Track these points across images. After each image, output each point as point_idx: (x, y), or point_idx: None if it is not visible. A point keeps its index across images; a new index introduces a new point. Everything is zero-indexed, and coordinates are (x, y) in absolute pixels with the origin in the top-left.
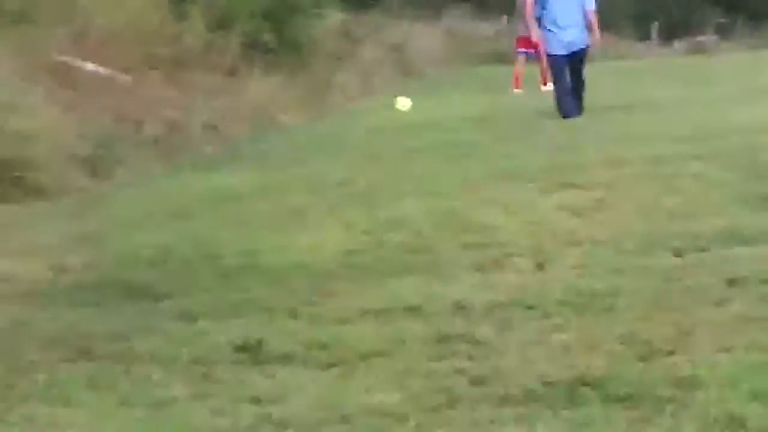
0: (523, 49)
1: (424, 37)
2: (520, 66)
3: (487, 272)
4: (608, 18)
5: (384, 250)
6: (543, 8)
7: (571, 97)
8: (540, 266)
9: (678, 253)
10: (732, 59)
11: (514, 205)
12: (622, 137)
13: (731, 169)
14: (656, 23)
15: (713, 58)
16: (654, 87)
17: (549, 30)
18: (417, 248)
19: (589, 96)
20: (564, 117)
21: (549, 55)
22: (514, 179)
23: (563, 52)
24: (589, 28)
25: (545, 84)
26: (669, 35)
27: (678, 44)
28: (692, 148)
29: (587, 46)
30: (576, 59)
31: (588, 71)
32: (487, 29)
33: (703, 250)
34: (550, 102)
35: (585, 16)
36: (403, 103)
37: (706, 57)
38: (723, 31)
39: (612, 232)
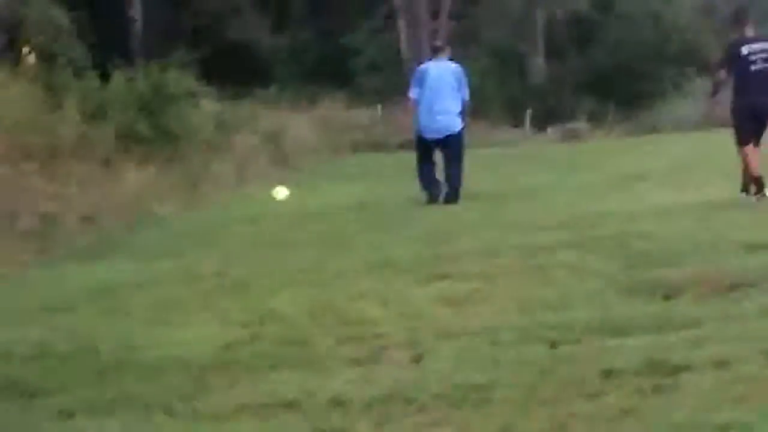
0: None
1: (300, 125)
2: None
3: (364, 366)
4: (482, 105)
5: (261, 344)
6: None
7: (435, 180)
8: (417, 359)
9: (553, 345)
10: (604, 146)
11: (390, 297)
12: (496, 226)
13: (604, 258)
14: (530, 110)
15: (586, 145)
16: (527, 174)
17: (422, 113)
18: (294, 341)
19: (463, 183)
20: (429, 200)
21: (417, 137)
22: (390, 270)
23: (434, 136)
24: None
25: None
26: (542, 122)
27: (551, 131)
28: (565, 237)
29: (459, 132)
30: (449, 146)
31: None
32: (362, 117)
33: (577, 341)
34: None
35: (459, 103)
36: (280, 193)
37: (579, 144)
38: (595, 118)
39: (487, 324)
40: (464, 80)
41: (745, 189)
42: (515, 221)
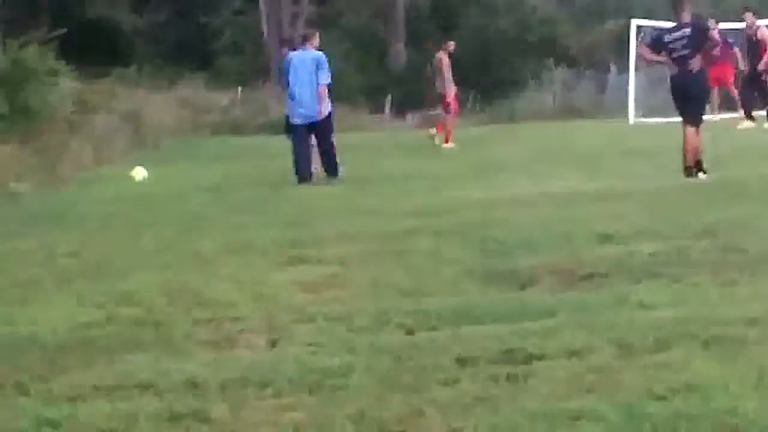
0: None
1: (159, 106)
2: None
3: (220, 349)
4: (342, 91)
5: (116, 325)
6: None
7: (305, 162)
8: (273, 343)
9: (410, 331)
10: (463, 133)
11: (247, 280)
12: (355, 211)
13: (461, 246)
14: (390, 96)
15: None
16: (387, 160)
17: (289, 100)
18: (150, 323)
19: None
20: (299, 181)
21: (289, 123)
22: (247, 253)
23: (300, 121)
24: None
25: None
26: (402, 108)
27: (411, 117)
28: (423, 223)
29: (325, 117)
30: (316, 129)
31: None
32: (221, 99)
33: (434, 328)
34: (286, 172)
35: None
36: (139, 173)
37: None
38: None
39: (344, 309)
40: (324, 66)
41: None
42: (374, 207)
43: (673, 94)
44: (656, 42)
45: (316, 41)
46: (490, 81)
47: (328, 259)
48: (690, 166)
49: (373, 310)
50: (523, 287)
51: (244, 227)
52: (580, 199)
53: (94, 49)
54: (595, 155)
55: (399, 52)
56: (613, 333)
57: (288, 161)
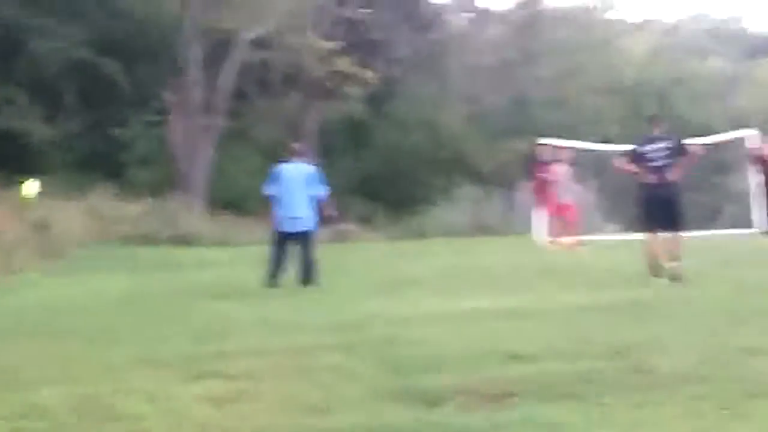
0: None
1: (69, 215)
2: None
3: None
4: (253, 203)
5: None
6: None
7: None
8: None
9: None
10: (374, 249)
11: (156, 394)
12: (266, 325)
13: (371, 362)
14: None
15: (355, 247)
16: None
17: (281, 209)
18: None
19: (234, 282)
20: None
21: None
22: (157, 366)
23: (291, 230)
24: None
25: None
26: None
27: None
28: (333, 339)
29: (312, 228)
30: (302, 237)
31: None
32: (131, 210)
33: None
34: (197, 284)
35: (312, 200)
36: (28, 190)
37: (349, 245)
38: (366, 221)
39: (252, 425)
40: (318, 179)
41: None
42: (284, 321)
43: (649, 202)
44: (633, 154)
45: (305, 155)
46: (399, 196)
47: (238, 374)
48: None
49: (281, 426)
50: (432, 406)
51: (154, 339)
52: (489, 317)
53: (4, 159)
54: (504, 273)
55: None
56: None
57: (197, 274)
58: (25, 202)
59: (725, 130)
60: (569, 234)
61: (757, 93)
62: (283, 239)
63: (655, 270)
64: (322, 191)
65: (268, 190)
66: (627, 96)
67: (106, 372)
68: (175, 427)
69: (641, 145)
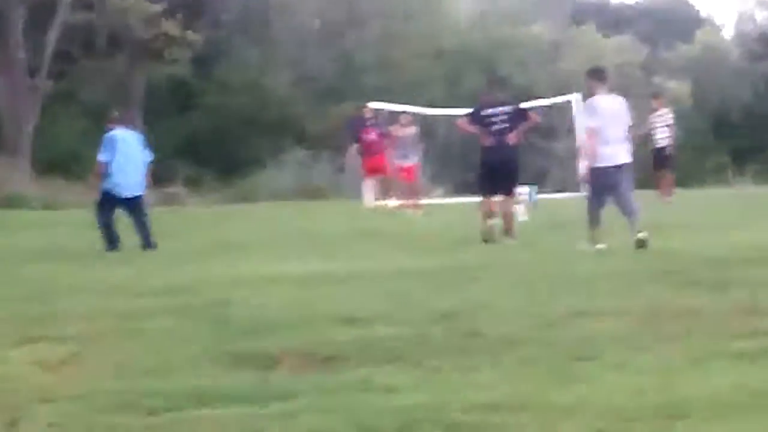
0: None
1: None
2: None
3: None
4: (80, 166)
5: None
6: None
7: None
8: (12, 423)
9: (152, 412)
10: (202, 212)
11: None
12: (94, 289)
13: (202, 325)
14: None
15: (183, 210)
16: (127, 237)
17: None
18: None
19: (62, 245)
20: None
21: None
22: None
23: (128, 194)
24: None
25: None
26: None
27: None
28: (163, 302)
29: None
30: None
31: None
32: None
33: (176, 409)
34: (23, 247)
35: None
36: None
37: (177, 208)
38: (193, 183)
39: (84, 389)
40: (145, 144)
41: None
42: (114, 285)
43: (485, 164)
44: (475, 116)
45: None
46: (227, 159)
47: (67, 337)
48: (506, 229)
49: (113, 389)
50: (264, 368)
51: None
52: (318, 280)
53: None
54: (333, 236)
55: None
56: (356, 417)
57: (23, 237)
58: None
59: (549, 95)
60: (407, 196)
61: (580, 57)
62: (113, 205)
63: (487, 234)
64: (150, 156)
65: (103, 157)
66: (451, 61)
67: None
68: (5, 391)
69: (482, 108)
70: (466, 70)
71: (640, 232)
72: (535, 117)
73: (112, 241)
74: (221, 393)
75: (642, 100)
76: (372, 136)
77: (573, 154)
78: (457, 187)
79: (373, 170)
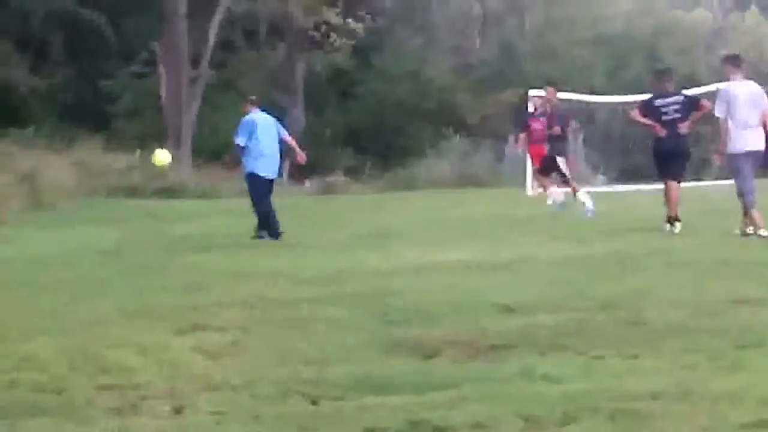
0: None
1: (56, 167)
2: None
3: (123, 416)
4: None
5: (17, 390)
6: (250, 139)
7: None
8: (178, 411)
9: (314, 401)
10: (362, 200)
11: (148, 346)
12: (254, 278)
13: (362, 315)
14: (288, 161)
15: (343, 199)
16: (287, 226)
17: (259, 157)
18: (50, 389)
19: (221, 233)
20: (260, 237)
21: (257, 178)
22: (147, 318)
23: (271, 176)
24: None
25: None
26: (301, 174)
27: (309, 184)
28: (324, 291)
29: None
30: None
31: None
32: (119, 162)
33: (338, 398)
34: (184, 236)
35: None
36: (162, 158)
37: (337, 197)
38: (353, 172)
39: (247, 377)
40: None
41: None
42: (273, 273)
43: (659, 153)
44: (647, 107)
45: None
46: (387, 148)
47: (229, 326)
48: (672, 216)
49: (276, 378)
50: (426, 358)
51: (143, 291)
52: (478, 268)
53: None
54: (492, 225)
55: (297, 118)
56: (519, 406)
57: (184, 226)
58: (159, 169)
59: (711, 82)
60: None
61: (742, 43)
62: (266, 188)
63: (675, 217)
64: (286, 134)
65: (240, 140)
66: (613, 48)
67: (96, 324)
68: (168, 379)
69: (654, 98)
70: (628, 57)
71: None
72: (707, 104)
73: (269, 222)
74: (384, 382)
75: None
76: (538, 124)
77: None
78: (619, 175)
79: (539, 158)
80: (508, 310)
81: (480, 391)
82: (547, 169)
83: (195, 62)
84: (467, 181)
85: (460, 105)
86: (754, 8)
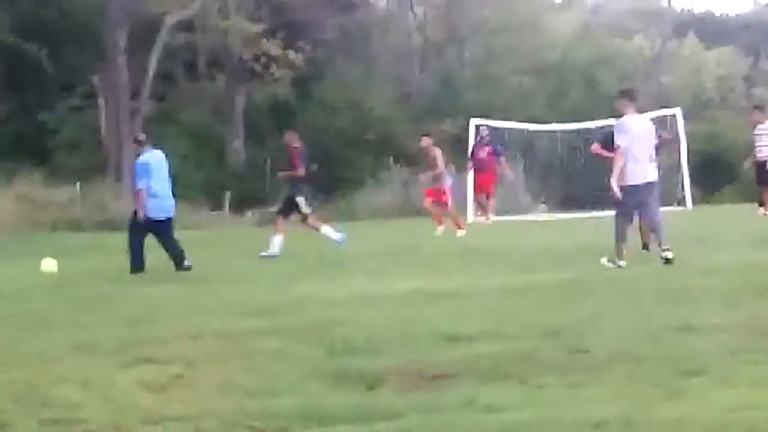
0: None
1: None
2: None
3: None
4: (181, 188)
5: None
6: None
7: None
8: None
9: None
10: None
11: (92, 381)
12: (198, 310)
13: (307, 345)
14: (228, 193)
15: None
16: (228, 258)
17: (154, 197)
18: None
19: (165, 266)
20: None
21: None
22: (91, 352)
23: (163, 216)
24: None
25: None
26: (242, 205)
27: (251, 214)
28: (267, 323)
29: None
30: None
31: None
32: (60, 195)
33: (283, 429)
34: (126, 269)
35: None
36: (48, 266)
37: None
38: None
39: (192, 411)
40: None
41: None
42: (217, 305)
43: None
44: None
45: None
46: (329, 178)
47: (174, 359)
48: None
49: (221, 411)
50: (370, 388)
51: (88, 325)
52: (421, 298)
53: None
54: (435, 254)
55: (238, 150)
56: None
57: (127, 259)
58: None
59: (652, 109)
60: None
61: (682, 71)
62: (147, 228)
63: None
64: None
65: (140, 184)
66: (553, 75)
67: (40, 359)
68: (113, 413)
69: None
70: (569, 84)
71: (666, 250)
72: (666, 136)
73: (138, 262)
74: (328, 412)
75: (743, 113)
76: (483, 153)
77: (678, 169)
78: (559, 203)
79: (481, 187)
80: (453, 339)
81: (424, 421)
82: None
83: (135, 94)
84: (409, 210)
85: (400, 134)
86: (692, 36)
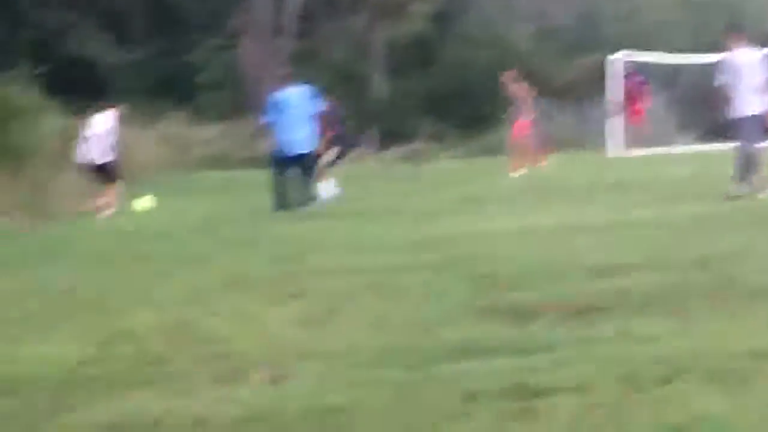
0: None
1: (144, 141)
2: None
3: (223, 385)
4: None
5: (116, 362)
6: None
7: (285, 193)
8: (276, 380)
9: (413, 367)
10: (444, 167)
11: (246, 316)
12: (348, 246)
13: (457, 280)
14: (372, 130)
15: (428, 165)
16: (375, 195)
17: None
18: (151, 360)
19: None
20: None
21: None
22: (244, 288)
23: (292, 153)
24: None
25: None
26: (385, 141)
27: (394, 151)
28: (416, 258)
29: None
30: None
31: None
32: (205, 133)
33: (435, 363)
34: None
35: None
36: (143, 203)
37: (421, 164)
38: (436, 139)
39: (344, 345)
40: (314, 96)
41: None
42: (364, 241)
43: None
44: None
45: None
46: (470, 114)
47: (326, 294)
48: None
49: (374, 345)
50: (522, 321)
51: (239, 262)
52: (571, 231)
53: (76, 85)
54: (578, 188)
55: (380, 86)
56: (619, 367)
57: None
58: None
59: None
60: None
61: None
62: (283, 163)
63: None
64: (318, 105)
65: (265, 118)
66: (696, 6)
67: (192, 295)
68: (267, 348)
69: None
70: (712, 16)
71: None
72: None
73: (278, 199)
74: (481, 346)
75: None
76: (632, 84)
77: None
78: (702, 134)
79: (635, 116)
80: (601, 271)
81: (579, 353)
82: None
83: (276, 33)
84: (551, 145)
85: (542, 69)
86: None
